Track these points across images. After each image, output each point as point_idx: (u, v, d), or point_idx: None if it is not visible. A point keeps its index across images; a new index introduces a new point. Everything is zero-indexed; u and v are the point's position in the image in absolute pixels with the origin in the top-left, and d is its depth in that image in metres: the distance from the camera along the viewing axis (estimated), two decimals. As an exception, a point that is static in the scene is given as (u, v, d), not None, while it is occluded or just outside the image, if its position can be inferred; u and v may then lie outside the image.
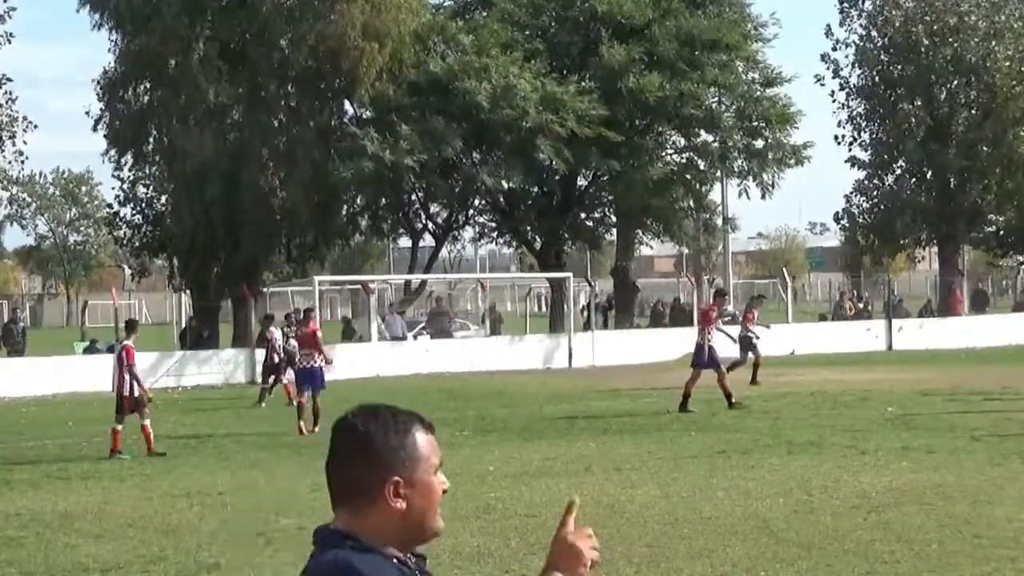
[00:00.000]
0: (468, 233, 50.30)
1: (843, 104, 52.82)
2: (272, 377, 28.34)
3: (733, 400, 22.69)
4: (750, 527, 11.58)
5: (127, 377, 19.28)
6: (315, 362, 21.85)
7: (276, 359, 28.49)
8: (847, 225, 54.35)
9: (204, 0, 38.18)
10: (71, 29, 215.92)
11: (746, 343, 28.65)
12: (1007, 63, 49.67)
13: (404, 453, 2.74)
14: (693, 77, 41.57)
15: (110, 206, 45.00)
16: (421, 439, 2.78)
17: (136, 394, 19.25)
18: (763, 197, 44.75)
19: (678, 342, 40.30)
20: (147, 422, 19.16)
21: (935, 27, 49.95)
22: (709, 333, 23.44)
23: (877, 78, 52.14)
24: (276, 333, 29.32)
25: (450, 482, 2.82)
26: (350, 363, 32.14)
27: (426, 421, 2.81)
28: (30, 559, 11.29)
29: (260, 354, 30.51)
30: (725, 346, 25.32)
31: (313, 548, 2.75)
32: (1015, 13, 50.75)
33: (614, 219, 47.33)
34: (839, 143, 53.16)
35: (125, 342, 20.06)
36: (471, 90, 38.56)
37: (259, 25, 38.36)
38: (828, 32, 52.69)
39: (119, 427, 18.95)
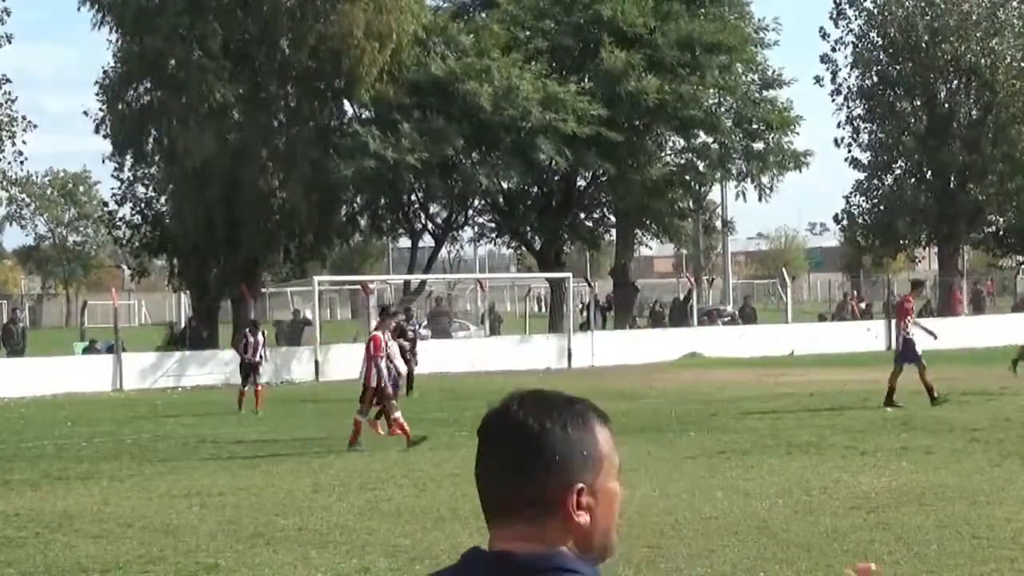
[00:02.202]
0: (468, 233, 50.39)
1: (842, 104, 52.85)
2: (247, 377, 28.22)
3: (936, 395, 22.15)
4: (750, 527, 11.57)
5: (374, 368, 18.74)
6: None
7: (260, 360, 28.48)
8: (847, 225, 54.33)
9: (205, 0, 38.19)
10: (69, 29, 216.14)
11: None
12: (1008, 60, 49.64)
13: (586, 453, 2.16)
14: (693, 80, 41.57)
15: (106, 204, 44.96)
16: (601, 435, 2.19)
17: (382, 384, 18.68)
18: (760, 199, 44.87)
19: (678, 342, 40.42)
20: (386, 416, 18.57)
21: (935, 25, 49.93)
22: (906, 326, 22.84)
23: (876, 78, 52.11)
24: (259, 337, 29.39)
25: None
26: (348, 363, 32.07)
27: (600, 410, 2.23)
28: (29, 559, 11.28)
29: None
30: (923, 341, 23.57)
31: None
32: (1016, 10, 50.72)
33: (613, 219, 47.36)
34: (839, 145, 53.22)
35: (374, 332, 19.52)
36: (472, 91, 38.57)
37: (260, 25, 38.37)
38: (824, 35, 52.75)
39: (360, 418, 18.53)
